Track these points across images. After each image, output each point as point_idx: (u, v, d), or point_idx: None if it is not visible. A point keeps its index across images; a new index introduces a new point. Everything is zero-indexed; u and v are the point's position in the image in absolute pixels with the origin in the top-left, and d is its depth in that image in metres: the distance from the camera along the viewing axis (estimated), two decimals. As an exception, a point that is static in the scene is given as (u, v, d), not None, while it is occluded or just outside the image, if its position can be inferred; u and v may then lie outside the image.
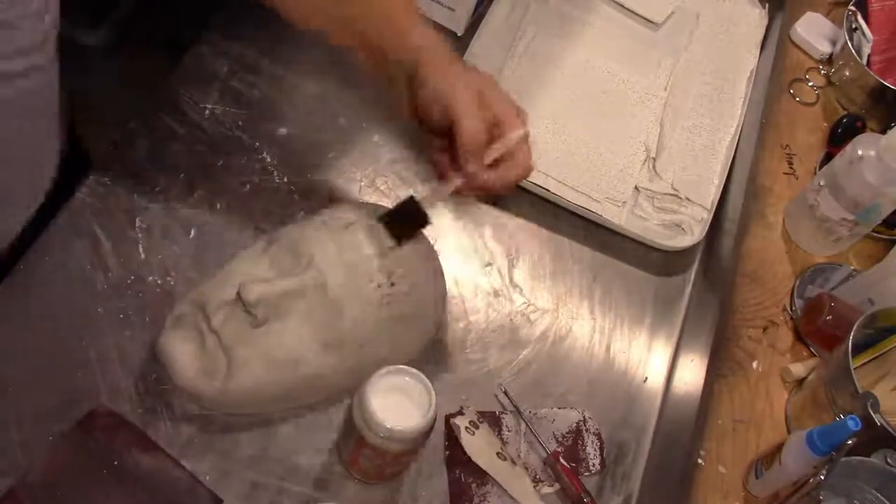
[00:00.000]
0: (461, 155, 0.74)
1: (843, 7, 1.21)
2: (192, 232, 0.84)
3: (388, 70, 0.77)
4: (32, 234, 0.79)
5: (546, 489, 0.79)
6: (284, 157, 0.91)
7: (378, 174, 0.93)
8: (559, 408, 0.84)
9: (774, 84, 1.19)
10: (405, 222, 0.75)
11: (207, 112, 0.91)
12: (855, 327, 0.86)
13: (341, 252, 0.74)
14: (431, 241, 0.88)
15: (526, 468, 0.80)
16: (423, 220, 0.76)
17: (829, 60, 1.24)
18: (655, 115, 1.05)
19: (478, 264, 0.91)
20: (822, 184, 1.00)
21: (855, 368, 0.84)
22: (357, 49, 0.79)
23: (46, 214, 0.81)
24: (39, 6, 0.65)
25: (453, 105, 0.73)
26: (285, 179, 0.90)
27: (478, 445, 0.78)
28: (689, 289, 0.97)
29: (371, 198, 0.91)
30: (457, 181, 0.75)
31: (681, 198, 0.99)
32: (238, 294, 0.71)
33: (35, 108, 0.72)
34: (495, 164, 0.75)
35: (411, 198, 0.75)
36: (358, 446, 0.70)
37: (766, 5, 1.21)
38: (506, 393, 0.83)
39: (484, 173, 0.74)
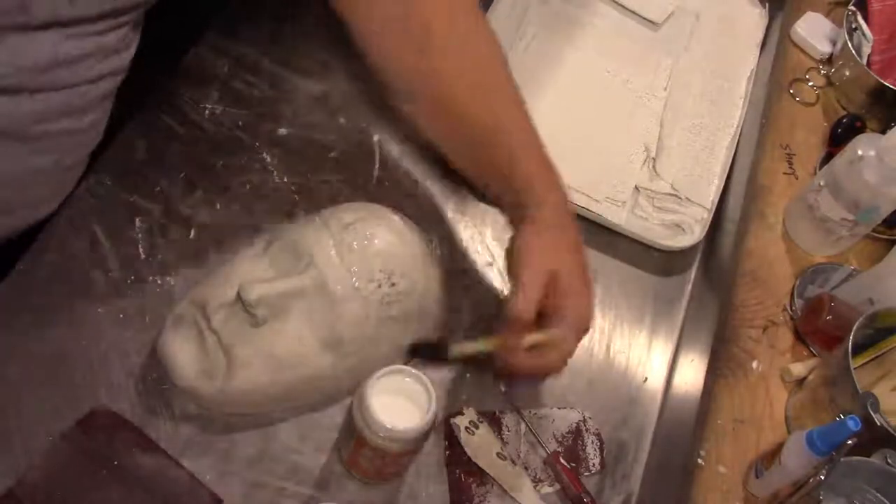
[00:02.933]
0: (504, 322, 0.74)
1: (843, 7, 1.21)
2: (192, 232, 0.84)
3: (503, 202, 0.81)
4: (33, 234, 0.80)
5: (546, 489, 0.79)
6: (284, 157, 0.91)
7: (378, 174, 0.93)
8: (559, 408, 0.84)
9: (774, 84, 1.19)
10: (427, 354, 0.77)
11: (207, 112, 0.91)
12: (855, 327, 0.86)
13: (341, 252, 0.74)
14: (432, 241, 0.88)
15: (526, 468, 0.80)
16: (443, 358, 0.77)
17: (829, 60, 1.24)
18: (655, 115, 1.05)
19: (478, 264, 0.91)
20: (822, 184, 1.00)
21: (855, 368, 0.84)
22: (478, 172, 0.82)
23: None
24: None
25: (519, 272, 0.74)
26: (285, 179, 0.90)
27: (478, 445, 0.78)
28: (689, 289, 0.97)
29: (371, 198, 0.91)
30: (495, 341, 0.75)
31: (681, 198, 0.99)
32: (238, 294, 0.71)
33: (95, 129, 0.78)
34: (530, 349, 0.74)
35: (445, 344, 0.77)
36: (358, 446, 0.70)
37: (766, 5, 1.21)
38: (506, 393, 0.82)
39: (515, 352, 0.74)
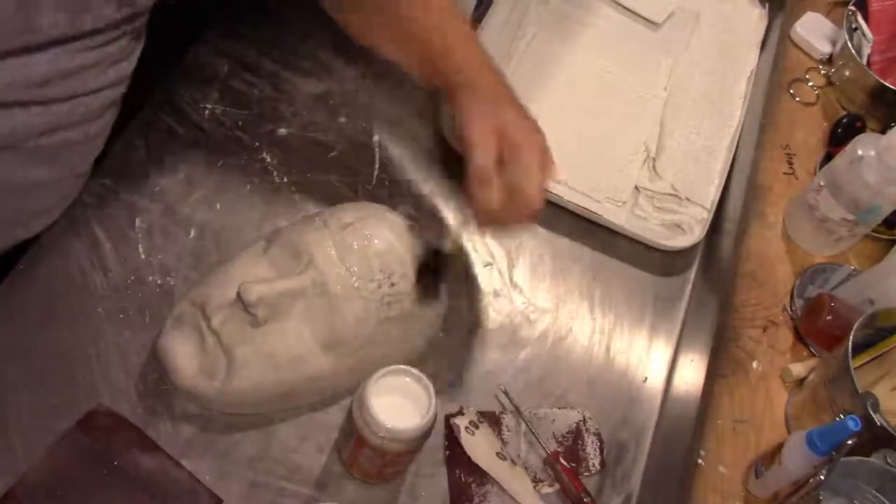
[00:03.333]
0: (467, 187, 0.74)
1: (843, 7, 1.21)
2: (192, 232, 0.84)
3: (435, 85, 0.80)
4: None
5: (546, 489, 0.79)
6: (284, 157, 0.91)
7: (378, 174, 0.93)
8: (559, 408, 0.84)
9: (774, 84, 1.19)
10: (428, 267, 0.78)
11: (207, 112, 0.91)
12: (855, 327, 0.86)
13: (341, 252, 0.74)
14: (431, 241, 0.88)
15: (526, 468, 0.80)
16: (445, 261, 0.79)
17: (829, 60, 1.24)
18: (655, 115, 1.05)
19: (478, 264, 0.91)
20: (822, 184, 1.00)
21: (855, 368, 0.84)
22: (409, 62, 0.82)
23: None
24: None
25: (466, 136, 0.74)
26: (285, 179, 0.90)
27: (478, 445, 0.78)
28: (689, 289, 0.97)
29: (371, 198, 0.91)
30: (469, 213, 0.76)
31: (681, 198, 0.99)
32: (238, 294, 0.71)
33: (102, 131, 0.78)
34: (506, 199, 0.74)
35: (435, 251, 0.78)
36: (358, 446, 0.70)
37: (766, 5, 1.21)
38: (506, 393, 0.83)
39: (491, 208, 0.74)
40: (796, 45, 1.25)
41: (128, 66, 0.75)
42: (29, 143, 0.69)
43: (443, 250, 0.79)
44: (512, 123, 0.75)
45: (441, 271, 0.79)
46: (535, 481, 0.79)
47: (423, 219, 0.91)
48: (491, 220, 0.76)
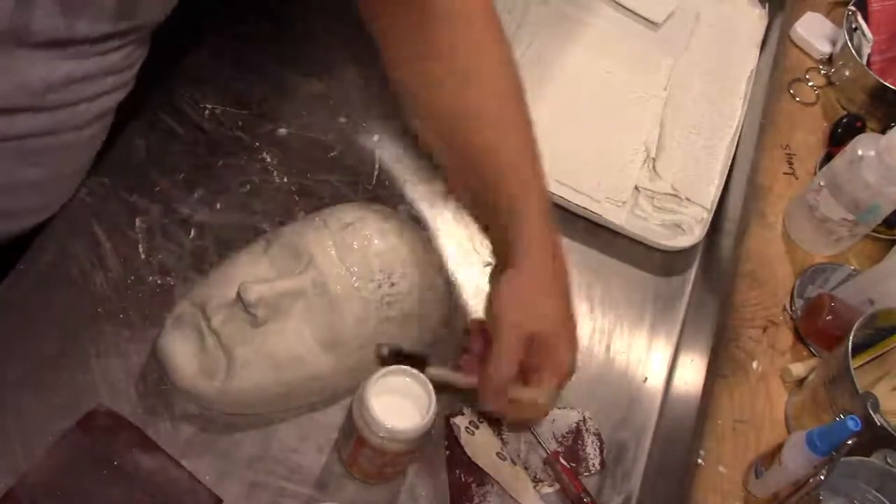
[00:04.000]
0: (482, 379, 0.73)
1: (843, 7, 1.21)
2: (192, 232, 0.84)
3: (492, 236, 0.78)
4: (32, 234, 0.80)
5: (546, 489, 0.79)
6: (284, 157, 0.91)
7: (378, 174, 0.93)
8: (559, 408, 0.84)
9: (774, 84, 1.19)
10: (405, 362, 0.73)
11: (207, 112, 0.91)
12: (855, 327, 0.86)
13: (341, 252, 0.74)
14: (431, 241, 0.88)
15: (526, 468, 0.80)
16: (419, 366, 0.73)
17: (829, 60, 1.24)
18: (655, 115, 1.05)
19: (478, 264, 0.91)
20: (822, 184, 1.00)
21: (855, 368, 0.84)
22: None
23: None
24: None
25: (498, 329, 0.71)
26: (285, 179, 0.90)
27: (478, 445, 0.78)
28: (689, 289, 0.97)
29: (371, 198, 0.91)
30: (471, 381, 0.74)
31: (681, 198, 0.99)
32: (238, 294, 0.71)
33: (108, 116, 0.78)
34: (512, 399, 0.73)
35: (423, 360, 0.73)
36: (358, 446, 0.70)
37: (766, 5, 1.21)
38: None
39: (497, 401, 0.73)
40: (796, 45, 1.25)
41: (129, 74, 0.75)
42: (23, 146, 0.69)
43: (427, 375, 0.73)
44: (549, 330, 0.72)
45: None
46: (535, 481, 0.79)
47: (424, 219, 0.91)
48: (491, 411, 0.77)
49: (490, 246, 0.79)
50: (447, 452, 0.79)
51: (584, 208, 0.95)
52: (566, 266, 0.76)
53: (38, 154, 0.71)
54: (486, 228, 0.79)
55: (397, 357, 0.72)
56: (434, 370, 0.73)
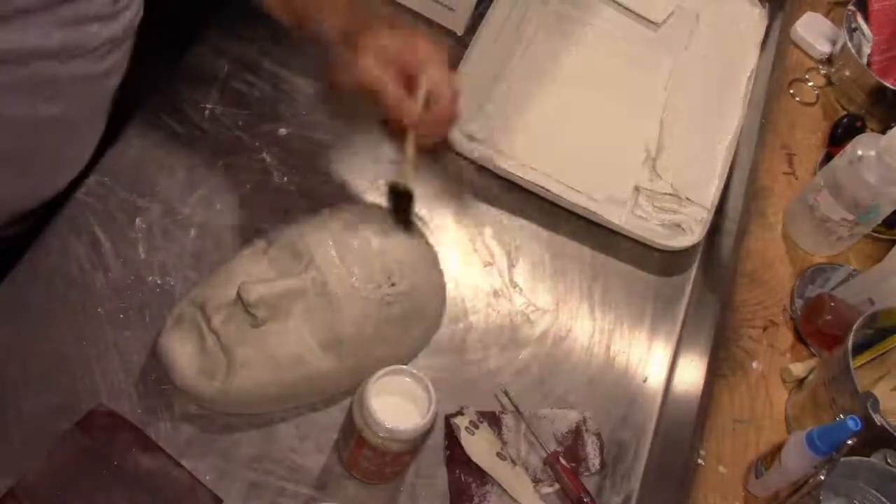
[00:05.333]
0: (391, 118, 0.77)
1: (843, 7, 1.21)
2: (192, 232, 0.84)
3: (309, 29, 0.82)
4: (32, 234, 0.80)
5: (546, 489, 0.79)
6: (284, 157, 0.91)
7: (378, 174, 0.93)
8: (559, 408, 0.84)
9: (774, 84, 1.19)
10: (398, 208, 0.80)
11: (207, 112, 0.91)
12: (855, 327, 0.86)
13: (341, 252, 0.74)
14: (431, 241, 0.88)
15: (526, 468, 0.80)
16: (409, 195, 0.80)
17: (829, 60, 1.24)
18: (655, 115, 1.05)
19: (478, 264, 0.91)
20: (822, 184, 1.00)
21: (855, 368, 0.84)
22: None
23: (48, 212, 0.81)
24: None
25: (372, 90, 0.77)
26: (285, 179, 0.90)
27: (478, 445, 0.78)
28: (689, 289, 0.97)
29: (371, 198, 0.91)
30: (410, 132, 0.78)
31: (681, 198, 0.99)
32: (238, 294, 0.71)
33: (108, 86, 0.79)
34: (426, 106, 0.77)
35: (390, 186, 0.80)
36: (358, 446, 0.70)
37: (766, 5, 1.21)
38: (506, 393, 0.83)
39: (419, 121, 0.77)
40: (796, 45, 1.25)
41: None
42: (39, 72, 0.70)
43: (399, 188, 0.80)
44: (401, 47, 0.78)
45: (408, 206, 0.81)
46: (535, 481, 0.79)
47: (424, 219, 0.91)
48: (425, 134, 0.80)
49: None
50: (447, 452, 0.79)
51: (584, 208, 0.95)
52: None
53: (52, 85, 0.72)
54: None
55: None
56: (401, 175, 0.80)
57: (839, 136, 1.13)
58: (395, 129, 0.80)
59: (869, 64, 1.18)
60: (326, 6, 0.81)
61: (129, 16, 0.77)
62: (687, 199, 0.99)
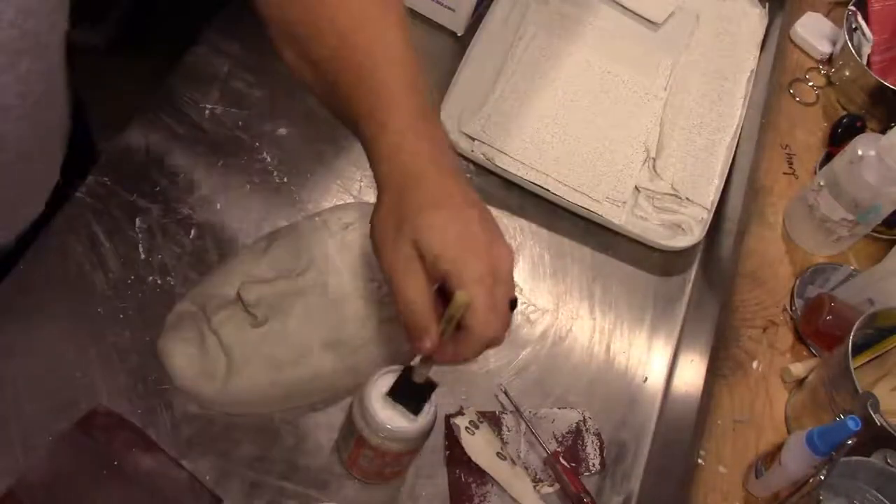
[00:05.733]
0: (407, 333, 0.61)
1: (843, 7, 1.21)
2: (192, 232, 0.84)
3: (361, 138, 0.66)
4: (32, 234, 0.80)
5: (546, 489, 0.79)
6: (284, 157, 0.91)
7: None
8: (559, 408, 0.84)
9: (774, 84, 1.19)
10: (412, 394, 0.67)
11: (207, 112, 0.91)
12: (855, 327, 0.86)
13: (341, 252, 0.74)
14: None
15: (526, 468, 0.80)
16: (429, 387, 0.66)
17: (829, 60, 1.24)
18: (655, 115, 1.05)
19: (478, 264, 0.91)
20: (822, 184, 1.00)
21: (855, 368, 0.84)
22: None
23: (48, 212, 0.81)
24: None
25: (388, 272, 0.59)
26: (285, 179, 0.90)
27: (478, 445, 0.78)
28: (689, 289, 0.97)
29: (371, 198, 0.91)
30: (419, 358, 0.64)
31: (681, 198, 0.99)
32: (238, 294, 0.71)
33: (43, 106, 0.71)
34: (453, 337, 0.61)
35: (405, 369, 0.66)
36: (358, 446, 0.70)
37: (766, 5, 1.21)
38: (506, 393, 0.83)
39: (439, 350, 0.60)
40: (796, 45, 1.25)
41: None
42: None
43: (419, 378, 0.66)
44: (440, 240, 0.58)
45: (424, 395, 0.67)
46: (535, 481, 0.79)
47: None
48: (443, 362, 0.63)
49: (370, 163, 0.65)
50: (447, 452, 0.79)
51: (584, 208, 0.95)
52: (456, 161, 0.64)
53: None
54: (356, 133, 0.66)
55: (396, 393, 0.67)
56: (418, 370, 0.66)
57: (839, 136, 1.13)
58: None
59: (869, 64, 1.18)
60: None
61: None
62: (687, 199, 0.99)
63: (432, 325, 0.59)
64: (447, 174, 0.61)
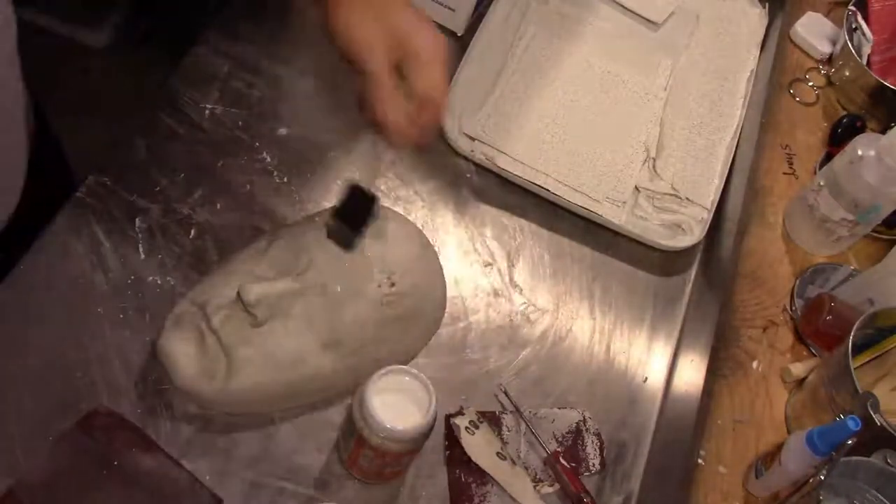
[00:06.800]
0: (365, 100, 0.67)
1: (843, 7, 1.21)
2: (192, 232, 0.84)
3: None
4: (32, 234, 0.80)
5: (546, 489, 0.79)
6: (284, 157, 0.91)
7: (378, 174, 0.93)
8: (559, 408, 0.84)
9: (774, 84, 1.19)
10: (355, 216, 0.71)
11: (207, 112, 0.91)
12: (855, 327, 0.86)
13: (341, 252, 0.74)
14: (431, 241, 0.88)
15: (526, 468, 0.80)
16: (371, 209, 0.70)
17: (829, 60, 1.24)
18: (655, 115, 1.05)
19: (478, 264, 0.91)
20: (822, 184, 1.00)
21: (855, 368, 0.84)
22: None
23: (46, 214, 0.81)
24: None
25: (353, 40, 0.66)
26: (285, 179, 0.90)
27: (478, 445, 0.78)
28: (689, 289, 0.97)
29: (371, 198, 0.91)
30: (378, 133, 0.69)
31: (681, 198, 0.99)
32: (238, 294, 0.71)
33: None
34: (412, 108, 0.68)
35: (354, 187, 0.70)
36: (358, 446, 0.70)
37: (766, 5, 1.21)
38: (506, 393, 0.83)
39: (397, 120, 0.67)
40: (796, 45, 1.25)
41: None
42: None
43: (362, 191, 0.71)
44: (405, 23, 0.67)
45: (366, 215, 0.71)
46: (535, 481, 0.79)
47: (424, 219, 0.91)
48: (401, 135, 0.69)
49: None
50: (447, 452, 0.79)
51: (584, 208, 0.95)
52: None
53: None
54: None
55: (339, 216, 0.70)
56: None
57: (839, 136, 1.13)
58: (364, 116, 0.69)
59: (869, 64, 1.18)
60: None
61: None
62: (687, 199, 0.99)
63: (397, 95, 0.67)
64: None
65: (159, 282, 0.80)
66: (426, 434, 0.69)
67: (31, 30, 0.77)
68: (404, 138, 0.69)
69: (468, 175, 0.96)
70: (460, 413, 0.79)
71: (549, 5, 1.11)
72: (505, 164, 0.95)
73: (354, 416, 0.69)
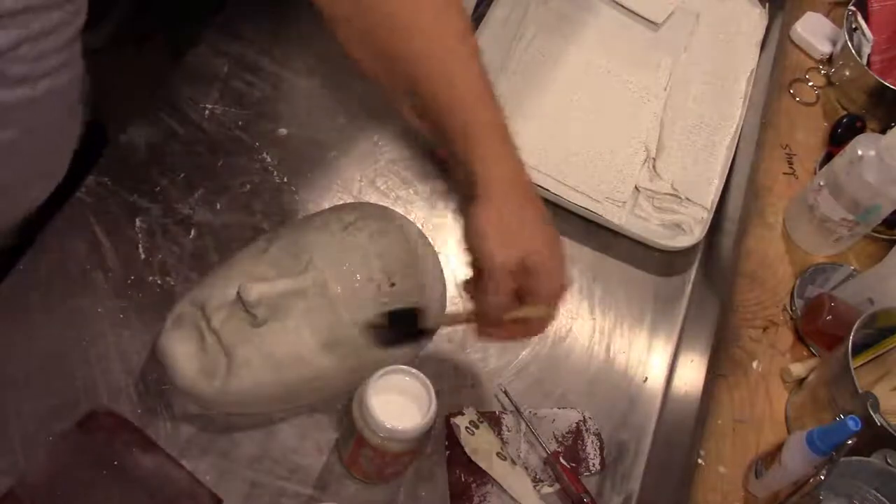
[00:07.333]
0: (479, 313, 0.71)
1: (843, 7, 1.21)
2: (192, 232, 0.84)
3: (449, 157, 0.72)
4: (33, 234, 0.80)
5: (546, 489, 0.79)
6: (284, 157, 0.91)
7: (378, 174, 0.93)
8: (559, 408, 0.84)
9: (774, 84, 1.19)
10: (399, 330, 0.73)
11: (207, 112, 0.91)
12: (855, 327, 0.86)
13: (341, 252, 0.74)
14: (431, 241, 0.88)
15: (526, 468, 0.80)
16: (416, 333, 0.73)
17: (829, 60, 1.24)
18: (655, 115, 1.05)
19: (478, 264, 0.91)
20: (822, 184, 1.00)
21: (855, 368, 0.84)
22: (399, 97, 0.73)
23: (48, 212, 0.81)
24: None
25: (484, 262, 0.69)
26: (285, 179, 0.90)
27: (478, 445, 0.78)
28: (689, 289, 0.97)
29: (371, 198, 0.91)
30: (467, 313, 0.74)
31: (681, 198, 0.99)
32: (238, 294, 0.71)
33: (62, 99, 0.73)
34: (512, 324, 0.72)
35: (413, 309, 0.72)
36: (358, 446, 0.70)
37: (766, 5, 1.21)
38: (506, 393, 0.83)
39: (496, 326, 0.72)
40: (796, 45, 1.25)
41: (78, 4, 0.67)
42: None
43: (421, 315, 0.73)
44: (535, 254, 0.69)
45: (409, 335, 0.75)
46: (535, 481, 0.79)
47: (424, 219, 0.91)
48: (489, 335, 0.74)
49: (453, 173, 0.74)
50: (447, 452, 0.79)
51: (584, 208, 0.95)
52: (531, 185, 0.73)
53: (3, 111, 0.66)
54: (447, 156, 0.74)
55: (391, 321, 0.71)
56: (436, 317, 0.74)
57: (839, 136, 1.13)
58: (465, 291, 0.74)
59: (869, 64, 1.18)
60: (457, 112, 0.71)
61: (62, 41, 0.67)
62: (687, 199, 0.99)
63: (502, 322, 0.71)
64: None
65: (159, 282, 0.80)
66: (426, 434, 0.69)
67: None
68: (491, 338, 0.75)
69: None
70: (460, 413, 0.79)
71: (549, 5, 1.11)
72: (505, 164, 0.95)
73: (354, 416, 0.69)
